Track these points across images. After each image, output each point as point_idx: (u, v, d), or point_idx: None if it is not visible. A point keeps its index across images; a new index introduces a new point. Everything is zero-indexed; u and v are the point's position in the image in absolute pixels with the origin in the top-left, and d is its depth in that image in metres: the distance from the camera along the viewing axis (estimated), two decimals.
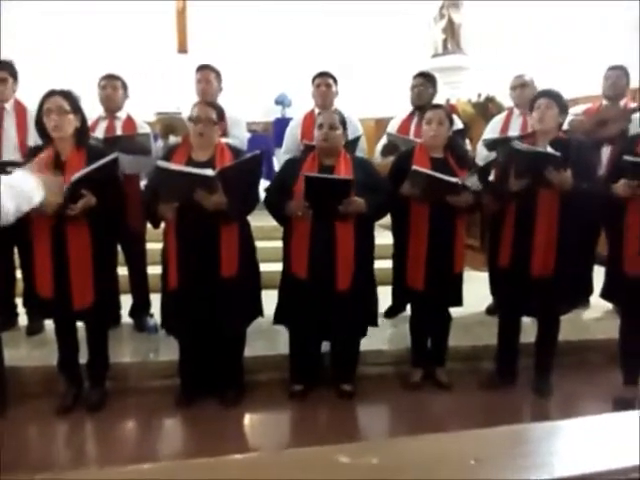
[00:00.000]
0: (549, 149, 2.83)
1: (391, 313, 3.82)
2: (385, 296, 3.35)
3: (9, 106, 3.49)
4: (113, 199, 2.77)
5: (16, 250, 3.39)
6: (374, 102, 6.71)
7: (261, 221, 3.13)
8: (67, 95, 2.74)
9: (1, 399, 2.88)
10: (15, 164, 2.97)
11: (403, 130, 3.96)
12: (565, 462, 0.72)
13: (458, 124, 3.77)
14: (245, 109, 4.73)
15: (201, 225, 2.73)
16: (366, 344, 3.20)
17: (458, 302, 3.16)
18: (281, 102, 7.81)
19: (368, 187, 2.84)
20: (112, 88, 3.62)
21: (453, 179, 2.87)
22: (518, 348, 3.20)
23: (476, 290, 3.37)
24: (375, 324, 3.10)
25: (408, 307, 3.40)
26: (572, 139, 3.06)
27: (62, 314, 2.86)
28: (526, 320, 3.25)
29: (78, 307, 2.77)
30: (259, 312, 3.03)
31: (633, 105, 3.91)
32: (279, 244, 3.08)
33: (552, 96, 2.91)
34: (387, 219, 3.25)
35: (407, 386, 3.23)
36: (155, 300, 3.38)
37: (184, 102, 4.07)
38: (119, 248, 3.27)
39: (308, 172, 2.83)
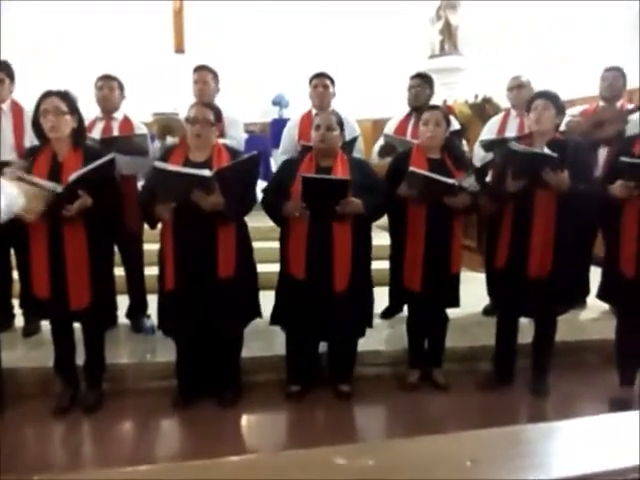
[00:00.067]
0: (546, 150, 2.83)
1: (388, 314, 3.82)
2: (382, 297, 3.35)
3: (6, 107, 3.48)
4: (110, 200, 2.77)
5: (12, 251, 3.38)
6: (371, 103, 6.71)
7: (258, 222, 3.13)
8: (64, 96, 2.74)
9: None
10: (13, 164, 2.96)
11: (400, 131, 3.97)
12: (562, 463, 0.72)
13: (455, 125, 3.78)
14: (242, 110, 4.72)
15: (198, 226, 2.72)
16: (363, 345, 3.20)
17: (455, 303, 3.16)
18: (278, 103, 7.81)
19: (365, 188, 2.84)
20: (108, 89, 3.62)
21: (450, 180, 2.88)
22: (516, 349, 3.21)
23: (473, 291, 3.37)
24: (370, 325, 3.10)
25: (405, 308, 3.40)
26: (569, 140, 3.07)
27: (59, 315, 2.86)
28: (523, 321, 3.26)
29: (75, 308, 2.76)
30: (257, 313, 3.03)
31: (630, 106, 3.92)
32: (276, 245, 3.07)
33: (549, 97, 2.91)
34: (384, 220, 3.26)
35: (404, 387, 3.23)
36: (152, 301, 3.37)
37: (181, 103, 4.07)
38: (116, 249, 3.26)
39: (305, 173, 2.83)
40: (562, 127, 3.24)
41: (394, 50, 7.29)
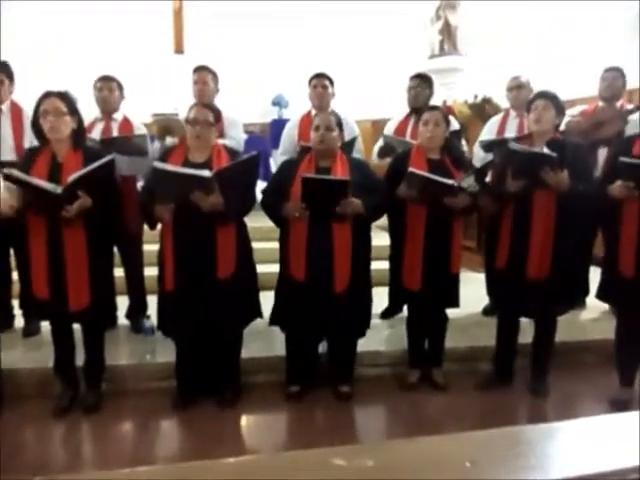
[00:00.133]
0: (546, 150, 2.83)
1: (387, 314, 3.82)
2: (381, 297, 3.35)
3: (5, 107, 3.48)
4: (110, 201, 2.76)
5: (12, 251, 3.38)
6: (371, 103, 6.72)
7: (258, 222, 3.13)
8: (64, 96, 2.74)
9: None
10: (12, 165, 2.96)
11: (400, 132, 3.97)
12: (561, 463, 0.72)
13: (455, 125, 3.78)
14: (242, 110, 4.73)
15: (198, 226, 2.72)
16: (363, 345, 3.20)
17: (455, 303, 3.16)
18: (278, 103, 7.81)
19: (365, 188, 2.84)
20: (108, 90, 3.62)
21: (449, 181, 2.87)
22: (516, 349, 3.21)
23: (473, 291, 3.36)
24: (368, 326, 3.10)
25: (405, 308, 3.40)
26: (568, 140, 3.07)
27: (58, 316, 2.85)
28: (523, 321, 3.25)
29: (74, 309, 2.76)
30: (257, 313, 3.03)
31: (629, 106, 3.92)
32: (276, 245, 3.07)
33: (549, 97, 2.91)
34: (384, 220, 3.26)
35: (404, 387, 3.23)
36: (152, 302, 3.37)
37: (181, 103, 4.07)
38: (116, 249, 3.26)
39: (305, 173, 2.83)
40: (562, 127, 3.24)
41: (394, 50, 7.30)
